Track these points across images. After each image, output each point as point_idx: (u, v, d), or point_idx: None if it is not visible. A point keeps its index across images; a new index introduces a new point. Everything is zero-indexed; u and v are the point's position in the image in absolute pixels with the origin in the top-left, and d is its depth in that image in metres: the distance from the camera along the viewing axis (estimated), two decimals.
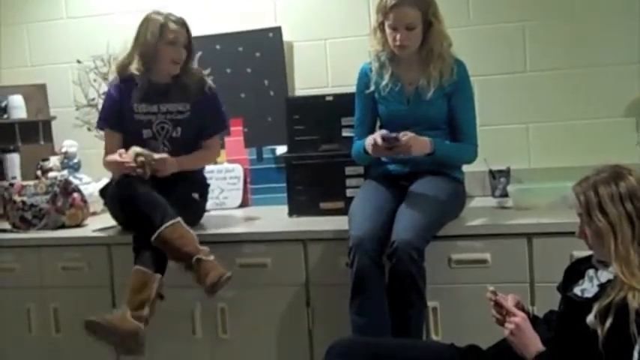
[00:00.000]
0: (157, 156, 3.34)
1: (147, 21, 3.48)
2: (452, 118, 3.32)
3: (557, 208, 3.31)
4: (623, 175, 2.21)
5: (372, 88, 3.35)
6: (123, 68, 3.57)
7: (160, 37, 3.44)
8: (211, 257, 3.15)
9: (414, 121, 3.28)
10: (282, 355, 3.42)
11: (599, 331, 2.10)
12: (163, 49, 3.46)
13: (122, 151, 3.35)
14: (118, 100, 3.57)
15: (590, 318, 2.15)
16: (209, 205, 3.80)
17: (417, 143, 3.12)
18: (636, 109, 3.69)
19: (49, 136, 4.44)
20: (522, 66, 3.84)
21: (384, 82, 3.32)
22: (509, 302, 2.42)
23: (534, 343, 2.28)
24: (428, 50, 3.24)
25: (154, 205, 3.19)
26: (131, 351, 3.15)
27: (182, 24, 3.50)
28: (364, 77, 3.39)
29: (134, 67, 3.50)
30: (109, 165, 3.52)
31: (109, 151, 3.54)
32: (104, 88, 4.14)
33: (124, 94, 3.56)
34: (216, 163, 4.12)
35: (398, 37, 3.20)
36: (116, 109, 3.57)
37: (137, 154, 3.29)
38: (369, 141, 3.17)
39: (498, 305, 2.41)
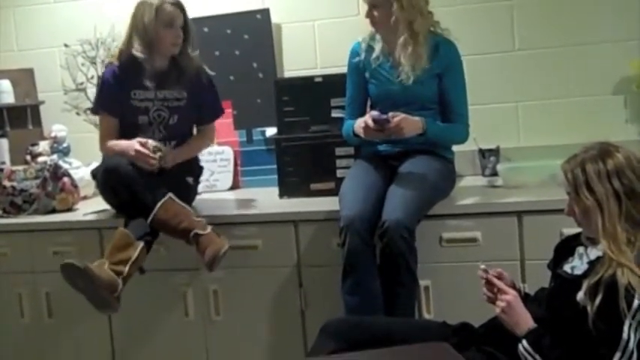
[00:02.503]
0: (167, 151, 3.38)
1: (142, 5, 3.44)
2: (443, 98, 3.32)
3: (546, 185, 3.33)
4: (611, 153, 2.22)
5: (362, 57, 3.35)
6: (121, 54, 3.52)
7: (156, 20, 3.40)
8: (208, 229, 3.18)
9: (404, 101, 3.28)
10: (274, 336, 3.44)
11: (588, 308, 2.12)
12: (161, 31, 3.42)
13: (143, 141, 3.33)
14: (114, 85, 3.51)
15: (580, 295, 2.17)
16: (200, 187, 3.80)
17: (409, 124, 3.12)
18: (624, 86, 3.70)
19: (37, 121, 4.43)
20: (511, 45, 3.84)
21: (374, 55, 3.32)
22: (500, 280, 2.43)
23: (525, 321, 2.29)
24: (408, 29, 3.22)
25: (143, 187, 3.20)
26: (105, 303, 3.10)
27: (178, 5, 3.46)
28: (355, 55, 3.39)
29: (138, 51, 3.44)
30: (111, 150, 3.45)
31: (106, 135, 3.51)
32: (92, 72, 4.14)
33: (120, 79, 3.51)
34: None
35: (366, 14, 3.24)
36: (113, 93, 3.51)
37: (156, 149, 3.30)
38: (359, 124, 3.17)
39: (489, 283, 2.42)
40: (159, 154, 3.30)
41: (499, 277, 2.45)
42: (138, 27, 3.43)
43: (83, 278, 3.02)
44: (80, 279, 3.04)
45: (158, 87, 3.51)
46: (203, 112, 3.63)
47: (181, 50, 3.51)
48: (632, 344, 2.07)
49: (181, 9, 3.47)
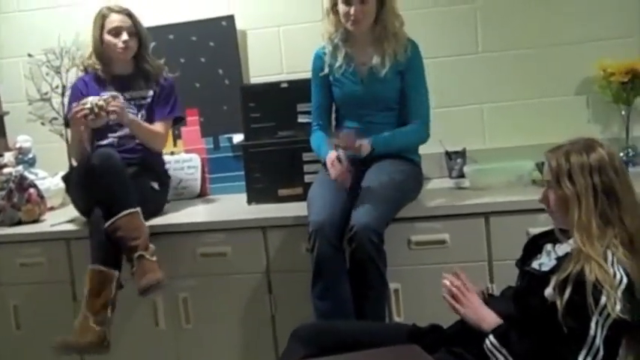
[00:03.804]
0: (109, 93, 3.42)
1: (95, 16, 3.59)
2: (403, 96, 3.33)
3: (512, 186, 3.37)
4: (596, 148, 2.25)
5: (327, 70, 3.37)
6: (87, 64, 3.67)
7: (102, 28, 3.55)
8: (154, 258, 3.17)
9: (368, 101, 3.31)
10: (245, 342, 3.43)
11: (557, 303, 2.14)
12: (109, 39, 3.55)
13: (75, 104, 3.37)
14: (84, 93, 3.57)
15: (549, 290, 2.19)
16: (168, 195, 3.79)
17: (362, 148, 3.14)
18: (586, 87, 3.74)
19: (2, 132, 4.38)
20: (475, 47, 3.87)
21: (337, 64, 3.33)
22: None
23: (491, 316, 2.32)
24: (382, 28, 3.26)
25: (120, 185, 3.21)
26: (98, 354, 3.20)
27: (124, 12, 3.58)
28: (318, 61, 3.41)
29: (94, 64, 3.62)
30: (73, 147, 3.55)
31: None
32: (57, 81, 4.10)
33: (89, 86, 3.62)
34: (172, 153, 4.11)
35: (352, 11, 3.21)
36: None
37: (92, 104, 3.31)
38: (330, 162, 3.15)
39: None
40: (100, 102, 3.30)
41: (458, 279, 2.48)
42: (92, 38, 3.60)
43: (73, 349, 3.18)
44: (71, 351, 3.20)
45: (124, 90, 3.60)
46: (155, 109, 3.65)
47: (139, 54, 3.61)
48: (598, 340, 2.09)
49: (129, 15, 3.57)
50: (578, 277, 2.12)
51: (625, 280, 2.12)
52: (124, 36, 3.53)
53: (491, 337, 2.26)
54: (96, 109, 3.28)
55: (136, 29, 3.58)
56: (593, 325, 2.09)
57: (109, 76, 3.63)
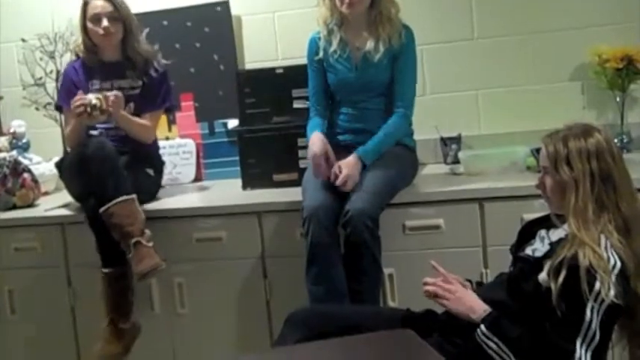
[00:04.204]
0: (113, 92, 3.36)
1: (81, 3, 3.57)
2: (392, 80, 3.31)
3: (507, 172, 3.37)
4: (593, 133, 2.25)
5: (321, 54, 3.36)
6: (77, 50, 3.65)
7: (84, 16, 3.52)
8: (151, 244, 3.16)
9: (362, 87, 3.31)
10: (241, 327, 3.44)
11: (552, 288, 2.14)
12: (90, 27, 3.51)
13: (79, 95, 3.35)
14: (75, 79, 3.58)
15: (543, 275, 2.20)
16: (163, 180, 3.79)
17: (352, 172, 3.08)
18: (582, 73, 3.74)
19: None
20: (470, 33, 3.86)
21: (332, 48, 3.32)
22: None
23: (479, 305, 2.33)
24: (377, 13, 3.25)
25: (113, 173, 3.19)
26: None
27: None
28: (314, 46, 3.39)
29: (81, 52, 3.60)
30: (70, 137, 3.53)
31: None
32: (51, 66, 4.10)
33: (80, 73, 3.60)
34: (167, 138, 4.11)
35: None
36: (73, 88, 3.55)
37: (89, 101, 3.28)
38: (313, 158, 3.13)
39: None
40: (94, 101, 3.26)
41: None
42: (80, 25, 3.56)
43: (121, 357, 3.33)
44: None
45: (112, 77, 3.57)
46: (145, 100, 3.61)
47: (125, 41, 3.56)
48: (594, 326, 2.10)
49: (110, 1, 3.51)
50: (571, 261, 2.13)
51: (619, 264, 2.13)
52: (104, 22, 3.47)
53: (482, 326, 2.25)
54: (88, 109, 3.25)
55: (119, 15, 3.51)
56: (588, 311, 2.09)
57: (97, 63, 3.59)
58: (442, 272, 2.48)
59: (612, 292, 2.09)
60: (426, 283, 2.45)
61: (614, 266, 2.12)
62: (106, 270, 3.24)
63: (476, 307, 2.33)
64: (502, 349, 2.21)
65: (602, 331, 2.11)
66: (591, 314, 2.10)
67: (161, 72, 3.64)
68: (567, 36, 3.75)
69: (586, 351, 2.10)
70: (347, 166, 3.08)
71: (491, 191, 3.16)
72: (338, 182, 3.05)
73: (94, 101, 3.26)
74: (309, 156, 3.15)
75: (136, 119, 3.54)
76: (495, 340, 2.22)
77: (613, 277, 2.10)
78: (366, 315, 2.66)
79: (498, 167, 3.41)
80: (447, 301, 2.37)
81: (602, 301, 2.09)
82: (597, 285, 2.09)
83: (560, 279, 2.13)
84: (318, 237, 2.98)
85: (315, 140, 3.17)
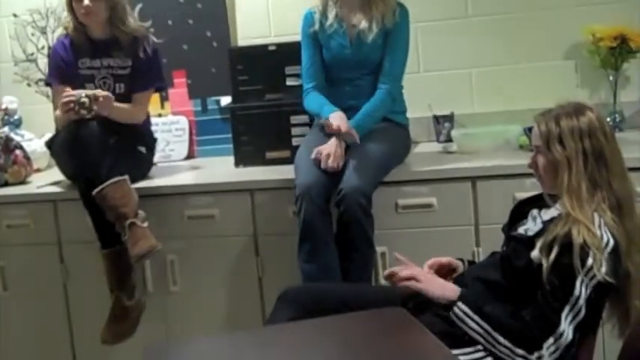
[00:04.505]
0: (103, 92, 3.31)
1: None
2: (382, 56, 3.30)
3: (500, 151, 3.37)
4: (585, 112, 2.25)
5: (317, 27, 3.33)
6: (66, 26, 3.60)
7: None
8: (145, 224, 3.15)
9: (356, 64, 3.30)
10: (233, 305, 3.45)
11: (543, 262, 2.15)
12: (74, 4, 3.47)
13: (68, 90, 3.32)
14: (63, 56, 3.56)
15: (535, 252, 2.20)
16: (155, 158, 3.78)
17: (331, 151, 3.08)
18: (575, 51, 3.73)
19: None
20: (464, 11, 3.85)
21: (328, 22, 3.30)
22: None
23: (451, 285, 2.35)
24: None
25: (103, 155, 3.17)
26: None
27: None
28: (309, 20, 3.37)
29: (70, 29, 3.55)
30: (59, 117, 3.47)
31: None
32: (43, 42, 4.07)
33: (68, 49, 3.56)
34: (160, 115, 4.09)
35: None
36: (62, 64, 3.55)
37: (79, 97, 3.24)
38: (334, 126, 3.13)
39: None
40: (84, 99, 3.23)
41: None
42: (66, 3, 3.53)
43: (130, 335, 3.35)
44: (128, 337, 3.35)
45: (101, 55, 3.53)
46: (135, 80, 3.58)
47: (111, 20, 3.51)
48: (582, 300, 2.11)
49: None
50: (565, 238, 2.14)
51: (612, 242, 2.14)
52: (85, 1, 3.43)
53: (460, 304, 2.25)
54: (76, 107, 3.22)
55: None
56: (578, 284, 2.11)
57: (86, 41, 3.55)
58: (405, 261, 2.50)
59: (604, 269, 2.10)
60: (392, 274, 2.46)
61: (607, 244, 2.14)
62: (105, 250, 3.23)
63: (447, 286, 2.34)
64: (482, 326, 2.22)
65: (589, 308, 2.13)
66: (580, 288, 2.11)
67: (152, 51, 3.60)
68: (561, 14, 3.73)
69: (569, 324, 2.12)
70: (325, 147, 3.09)
71: (483, 170, 3.16)
72: (322, 165, 3.05)
73: (82, 99, 3.21)
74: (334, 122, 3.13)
75: (125, 106, 3.50)
76: (476, 318, 2.23)
77: (605, 254, 2.12)
78: (359, 293, 2.67)
79: (491, 146, 3.41)
80: (420, 283, 2.36)
81: (593, 276, 2.11)
82: (590, 261, 2.10)
83: (553, 255, 2.14)
84: (311, 215, 2.98)
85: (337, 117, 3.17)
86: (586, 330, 2.21)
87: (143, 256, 3.12)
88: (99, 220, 3.20)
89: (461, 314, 2.24)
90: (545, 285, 2.15)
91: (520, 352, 2.16)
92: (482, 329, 2.21)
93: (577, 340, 2.16)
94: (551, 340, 2.13)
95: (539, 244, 2.20)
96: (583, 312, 2.12)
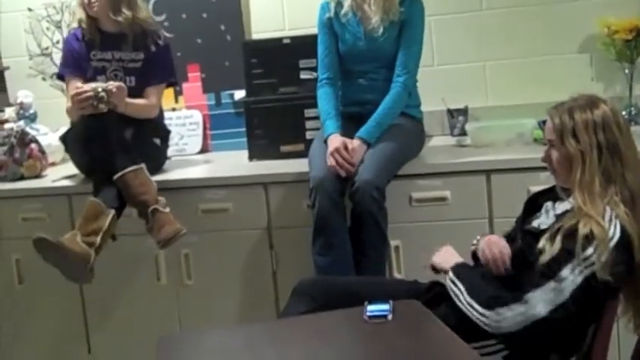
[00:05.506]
0: (115, 83, 3.30)
1: None
2: (397, 49, 3.28)
3: (514, 144, 3.36)
4: (599, 105, 2.24)
5: (332, 14, 3.32)
6: (80, 19, 3.61)
7: None
8: (167, 209, 3.17)
9: (370, 57, 3.29)
10: (247, 298, 3.45)
11: (547, 249, 2.16)
12: None
13: (80, 85, 3.31)
14: (76, 48, 3.58)
15: (541, 243, 2.21)
16: (169, 151, 3.79)
17: (357, 156, 3.08)
18: (590, 44, 3.71)
19: (3, 87, 4.36)
20: (478, 4, 3.83)
21: (343, 11, 3.29)
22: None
23: (454, 260, 2.44)
24: None
25: (120, 146, 3.19)
26: (78, 276, 3.15)
27: None
28: (325, 9, 3.36)
29: (82, 21, 3.57)
30: (71, 110, 3.45)
31: None
32: (57, 36, 4.09)
33: (81, 41, 3.59)
34: (174, 109, 4.10)
35: None
36: (75, 56, 3.58)
37: (95, 91, 3.22)
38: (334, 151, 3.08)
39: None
40: (101, 93, 3.21)
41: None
42: None
43: (56, 252, 3.03)
44: (53, 253, 3.05)
45: (113, 48, 3.55)
46: (147, 74, 3.59)
47: (115, 13, 3.51)
48: (567, 284, 2.10)
49: None
50: (570, 228, 2.14)
51: (617, 235, 2.13)
52: None
53: (450, 273, 2.34)
54: (95, 102, 3.19)
55: None
56: (569, 267, 2.11)
57: (98, 33, 3.57)
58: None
59: (604, 259, 2.09)
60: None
61: (612, 236, 2.12)
62: (93, 198, 3.17)
63: (452, 259, 2.44)
64: (459, 287, 2.28)
65: (573, 298, 2.11)
66: (570, 272, 2.11)
67: (163, 46, 3.62)
68: (576, 7, 3.72)
69: (543, 300, 2.12)
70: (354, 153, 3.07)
71: (497, 163, 3.16)
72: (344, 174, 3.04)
73: (100, 93, 3.20)
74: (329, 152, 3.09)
75: (139, 101, 3.51)
76: (460, 286, 2.28)
77: (610, 246, 2.11)
78: (373, 286, 2.68)
79: (505, 139, 3.40)
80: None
81: (590, 265, 2.10)
82: (590, 250, 2.10)
83: (556, 243, 2.14)
84: (325, 208, 2.98)
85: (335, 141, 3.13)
86: (583, 323, 2.21)
87: (169, 241, 3.12)
88: (103, 182, 3.19)
89: (449, 281, 2.32)
90: (537, 264, 2.16)
91: (479, 308, 2.20)
92: (458, 289, 2.28)
93: (559, 326, 2.14)
94: (515, 305, 2.13)
95: (547, 234, 2.20)
96: (564, 296, 2.10)
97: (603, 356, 2.26)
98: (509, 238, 2.47)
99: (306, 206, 3.17)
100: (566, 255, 2.12)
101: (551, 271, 2.13)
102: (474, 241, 2.52)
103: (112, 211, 3.15)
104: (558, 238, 2.15)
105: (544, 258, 2.15)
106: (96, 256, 3.09)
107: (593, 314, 2.20)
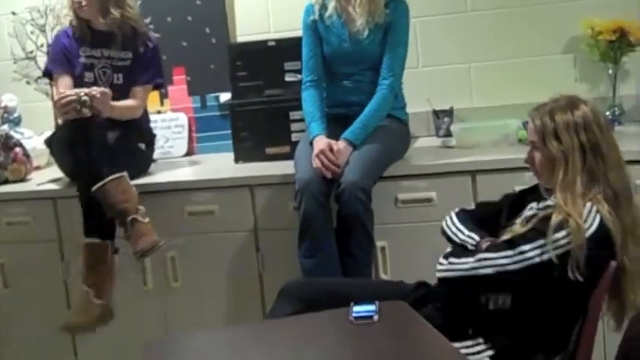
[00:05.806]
0: (99, 89, 3.28)
1: None
2: (382, 51, 3.28)
3: (499, 145, 3.38)
4: (579, 105, 2.25)
5: (316, 16, 3.32)
6: (70, 17, 3.62)
7: None
8: (147, 219, 3.15)
9: (355, 59, 3.30)
10: (233, 300, 3.45)
11: (517, 229, 2.21)
12: None
13: (62, 90, 3.33)
14: (66, 44, 3.59)
15: (515, 226, 2.25)
16: (155, 154, 3.78)
17: (343, 157, 3.08)
18: (574, 45, 3.73)
19: None
20: (463, 6, 3.85)
21: (327, 13, 3.30)
22: None
23: None
24: None
25: (104, 151, 3.17)
26: (104, 325, 3.27)
27: None
28: (310, 11, 3.36)
29: (72, 19, 3.58)
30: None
31: None
32: (42, 40, 4.07)
33: (72, 38, 3.60)
34: (159, 112, 4.10)
35: None
36: (65, 52, 3.58)
37: (78, 96, 3.21)
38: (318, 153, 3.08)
39: None
40: (84, 97, 3.19)
41: None
42: None
43: (82, 330, 3.29)
44: (80, 331, 3.32)
45: (102, 46, 3.56)
46: (134, 73, 3.59)
47: (104, 15, 3.53)
48: (523, 258, 2.15)
49: None
50: (546, 215, 2.18)
51: (595, 226, 2.14)
52: None
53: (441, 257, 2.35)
54: (78, 107, 3.19)
55: None
56: (534, 245, 2.14)
57: (88, 31, 3.58)
58: None
59: (572, 245, 2.10)
60: None
61: (588, 227, 2.13)
62: (87, 240, 3.21)
63: None
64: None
65: (523, 273, 2.15)
66: (534, 249, 2.14)
67: (152, 47, 3.62)
68: (560, 8, 3.74)
69: (487, 264, 2.19)
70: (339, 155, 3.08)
71: (483, 164, 3.17)
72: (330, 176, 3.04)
73: (83, 98, 3.18)
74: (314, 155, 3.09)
75: (124, 103, 3.50)
76: (444, 261, 2.33)
77: (585, 235, 2.11)
78: (359, 287, 2.68)
79: (490, 140, 3.42)
80: None
81: (557, 247, 2.11)
82: (562, 233, 2.11)
83: (529, 225, 2.19)
84: (311, 210, 2.98)
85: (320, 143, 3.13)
86: (567, 322, 2.23)
87: (146, 252, 3.11)
88: (92, 213, 3.20)
89: (438, 264, 2.34)
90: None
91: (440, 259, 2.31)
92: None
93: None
94: (467, 259, 2.25)
95: (520, 219, 2.22)
96: (514, 267, 2.15)
97: (588, 356, 2.26)
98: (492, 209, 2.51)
99: (292, 208, 3.17)
100: (533, 233, 2.15)
101: (512, 243, 2.17)
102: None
103: (110, 243, 3.20)
104: (532, 221, 2.19)
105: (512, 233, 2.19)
106: (111, 296, 3.26)
107: (575, 312, 2.21)
